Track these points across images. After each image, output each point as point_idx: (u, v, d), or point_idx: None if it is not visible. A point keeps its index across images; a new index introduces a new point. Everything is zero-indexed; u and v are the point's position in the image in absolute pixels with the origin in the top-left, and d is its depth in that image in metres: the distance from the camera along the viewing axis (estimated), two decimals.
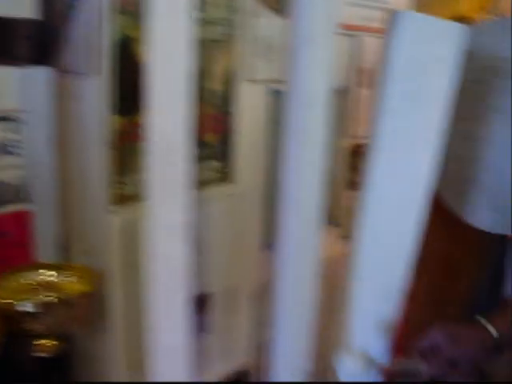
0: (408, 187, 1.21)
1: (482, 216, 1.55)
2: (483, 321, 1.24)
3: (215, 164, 1.55)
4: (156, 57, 1.04)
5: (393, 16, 1.12)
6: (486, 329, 1.22)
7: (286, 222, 1.08)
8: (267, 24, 1.51)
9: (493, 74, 1.51)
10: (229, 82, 1.51)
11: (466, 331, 1.27)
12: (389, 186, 1.18)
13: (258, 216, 1.68)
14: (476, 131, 1.54)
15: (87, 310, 1.33)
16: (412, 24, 1.11)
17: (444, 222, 1.61)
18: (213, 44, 1.45)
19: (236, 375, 1.85)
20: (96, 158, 1.32)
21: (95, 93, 1.26)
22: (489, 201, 1.54)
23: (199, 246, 1.48)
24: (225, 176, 1.58)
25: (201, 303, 1.64)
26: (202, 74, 1.42)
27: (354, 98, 1.81)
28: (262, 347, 1.68)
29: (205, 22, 1.40)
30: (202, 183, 1.48)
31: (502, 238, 1.56)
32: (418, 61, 1.13)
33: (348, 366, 1.27)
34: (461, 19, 2.33)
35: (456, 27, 1.16)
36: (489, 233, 1.53)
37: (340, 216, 2.00)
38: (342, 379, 1.29)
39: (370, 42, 1.86)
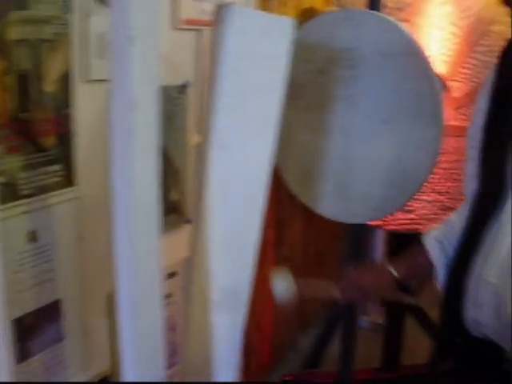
0: (247, 183, 1.20)
1: (329, 205, 1.58)
2: (386, 263, 1.45)
3: (56, 168, 1.48)
4: None
5: (220, 11, 1.10)
6: (388, 269, 1.42)
7: (121, 228, 1.04)
8: (101, 21, 1.45)
9: (336, 64, 1.54)
10: (64, 83, 1.44)
11: (371, 268, 1.56)
12: (227, 183, 1.17)
13: (104, 218, 1.62)
14: (321, 121, 1.56)
15: None
16: (240, 19, 1.09)
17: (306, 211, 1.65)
18: (44, 44, 1.38)
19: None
20: None
21: None
22: (335, 189, 1.57)
23: (45, 252, 1.43)
24: (67, 180, 1.51)
25: (54, 311, 1.58)
26: (35, 77, 1.35)
27: (199, 94, 1.79)
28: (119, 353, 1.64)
29: (33, 21, 1.33)
30: (43, 189, 1.42)
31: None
32: (248, 56, 1.12)
33: None
34: (308, 11, 2.37)
35: (285, 21, 1.16)
36: None
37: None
38: None
39: None
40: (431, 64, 1.48)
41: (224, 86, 1.10)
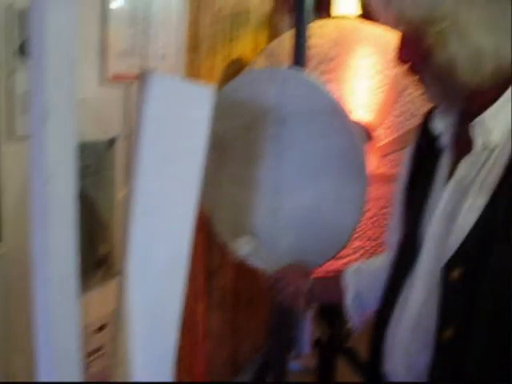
0: (169, 247, 1.21)
1: (259, 257, 1.61)
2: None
3: None
4: None
5: (142, 78, 1.11)
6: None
7: (39, 298, 1.03)
8: (27, 78, 1.45)
9: (263, 121, 1.57)
10: None
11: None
12: (149, 247, 1.17)
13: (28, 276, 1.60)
14: (249, 176, 1.59)
15: None
16: (160, 87, 1.11)
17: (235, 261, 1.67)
18: None
19: None
20: None
21: None
22: (266, 243, 1.60)
23: None
24: None
25: None
26: None
27: (128, 148, 1.80)
28: None
29: None
30: None
31: None
32: (169, 122, 1.13)
33: None
34: (236, 61, 2.40)
35: (205, 88, 1.18)
36: None
37: None
38: None
39: None
40: (352, 121, 1.53)
41: (144, 153, 1.11)
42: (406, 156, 1.33)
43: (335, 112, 1.50)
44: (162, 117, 1.12)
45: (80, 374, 1.16)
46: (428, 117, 1.26)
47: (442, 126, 1.19)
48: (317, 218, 1.54)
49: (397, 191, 1.33)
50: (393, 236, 1.32)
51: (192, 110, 1.16)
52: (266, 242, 1.60)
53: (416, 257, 1.16)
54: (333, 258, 1.64)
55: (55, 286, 1.02)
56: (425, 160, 1.23)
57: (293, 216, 1.56)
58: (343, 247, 1.58)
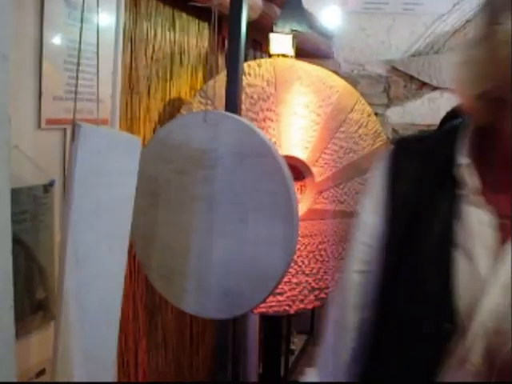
0: (101, 295, 1.22)
1: (190, 301, 1.62)
2: None
3: None
4: None
5: (73, 129, 1.14)
6: None
7: None
8: None
9: (195, 165, 1.59)
10: None
11: None
12: (81, 294, 1.19)
13: None
14: (182, 220, 1.61)
15: None
16: (93, 137, 1.13)
17: None
18: None
19: None
20: None
21: None
22: (195, 286, 1.61)
23: None
24: None
25: None
26: None
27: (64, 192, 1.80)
28: None
29: None
30: None
31: None
32: (99, 173, 1.16)
33: None
34: (174, 101, 2.43)
35: (133, 139, 1.21)
36: None
37: None
38: None
39: None
40: (284, 164, 1.57)
41: (75, 204, 1.13)
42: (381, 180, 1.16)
43: (266, 155, 1.53)
44: (93, 166, 1.15)
45: None
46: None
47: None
48: (246, 261, 1.56)
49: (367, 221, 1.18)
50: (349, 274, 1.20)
51: (121, 159, 1.19)
52: (197, 286, 1.61)
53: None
54: (262, 301, 1.65)
55: None
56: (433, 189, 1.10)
57: (222, 259, 1.58)
58: (273, 290, 1.59)
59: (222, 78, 2.03)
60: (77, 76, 1.32)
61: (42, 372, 1.82)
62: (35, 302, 1.75)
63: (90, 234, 1.17)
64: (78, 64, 1.30)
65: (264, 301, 1.60)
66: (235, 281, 1.55)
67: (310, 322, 3.97)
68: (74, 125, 1.13)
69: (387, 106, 3.79)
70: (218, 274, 1.56)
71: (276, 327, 2.52)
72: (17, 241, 1.54)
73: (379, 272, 1.13)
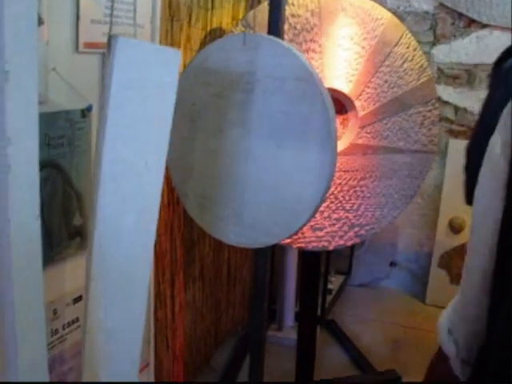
0: (137, 214, 1.20)
1: (225, 230, 1.59)
2: None
3: None
4: None
5: (110, 41, 1.10)
6: None
7: (2, 263, 1.02)
8: None
9: (233, 88, 1.56)
10: None
11: None
12: (117, 214, 1.16)
13: None
14: (219, 145, 1.58)
15: None
16: (126, 50, 1.10)
17: None
18: None
19: None
20: None
21: None
22: (230, 214, 1.58)
23: None
24: None
25: None
26: None
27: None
28: None
29: None
30: None
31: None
32: (136, 86, 1.12)
33: None
34: (215, 31, 2.38)
35: (172, 52, 1.17)
36: None
37: None
38: None
39: None
40: (324, 88, 1.51)
41: (112, 117, 1.10)
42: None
43: (306, 78, 1.48)
44: (130, 80, 1.11)
45: (45, 342, 1.16)
46: None
47: None
48: (282, 188, 1.52)
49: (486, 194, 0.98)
50: (476, 258, 1.03)
51: (159, 73, 1.16)
52: (233, 214, 1.58)
53: None
54: (300, 229, 1.61)
55: (18, 249, 1.01)
56: None
57: (258, 186, 1.54)
58: (308, 220, 1.54)
59: (264, 8, 1.98)
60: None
61: (78, 299, 1.83)
62: (72, 227, 1.74)
63: (125, 148, 1.14)
64: None
65: (299, 230, 1.56)
66: (270, 208, 1.51)
67: (348, 262, 3.95)
68: (110, 37, 1.09)
69: (433, 44, 3.66)
70: (252, 201, 1.53)
71: (314, 265, 2.49)
72: (53, 165, 1.53)
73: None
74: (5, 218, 0.97)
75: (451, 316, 1.14)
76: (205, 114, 1.54)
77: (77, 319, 1.81)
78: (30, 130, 0.96)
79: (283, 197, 1.50)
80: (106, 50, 1.12)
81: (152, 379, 2.06)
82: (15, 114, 0.93)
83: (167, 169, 1.34)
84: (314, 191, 1.47)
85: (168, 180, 1.71)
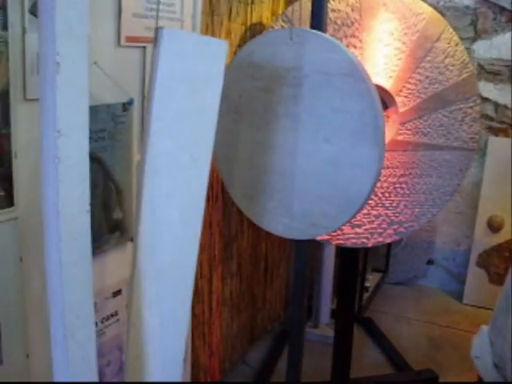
0: (182, 208, 1.19)
1: (273, 220, 1.59)
2: None
3: None
4: None
5: (157, 33, 1.09)
6: None
7: (51, 256, 1.02)
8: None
9: (280, 83, 1.55)
10: (3, 102, 1.42)
11: None
12: (162, 208, 1.16)
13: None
14: (266, 138, 1.57)
15: None
16: (173, 41, 1.09)
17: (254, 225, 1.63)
18: None
19: None
20: None
21: None
22: (278, 205, 1.58)
23: None
24: (6, 200, 1.49)
25: None
26: None
27: (143, 111, 1.77)
28: None
29: None
30: None
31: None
32: (182, 78, 1.11)
33: None
34: (255, 26, 2.37)
35: (218, 42, 1.16)
36: None
37: None
38: None
39: None
40: (372, 84, 1.50)
41: (157, 110, 1.09)
42: None
43: (354, 74, 1.47)
44: (175, 71, 1.10)
45: (93, 336, 1.15)
46: None
47: None
48: (329, 182, 1.52)
49: None
50: None
51: (206, 64, 1.14)
52: (280, 205, 1.58)
53: None
54: (344, 224, 1.61)
55: (67, 245, 1.01)
56: None
57: (305, 178, 1.54)
58: (355, 213, 1.55)
59: (303, 3, 1.97)
60: None
61: (118, 292, 1.83)
62: (112, 221, 1.74)
63: (171, 141, 1.13)
64: None
65: (346, 222, 1.55)
66: (317, 201, 1.51)
67: (385, 260, 3.92)
68: (157, 29, 1.09)
69: (474, 39, 3.61)
70: (299, 193, 1.53)
71: (352, 262, 2.47)
72: (95, 158, 1.52)
73: None
74: (54, 211, 0.97)
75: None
76: (251, 107, 1.54)
77: (116, 313, 1.82)
78: (80, 122, 0.95)
79: (331, 190, 1.49)
80: (153, 42, 1.11)
81: (188, 375, 2.05)
82: (66, 106, 0.92)
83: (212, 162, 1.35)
84: (362, 186, 1.46)
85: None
